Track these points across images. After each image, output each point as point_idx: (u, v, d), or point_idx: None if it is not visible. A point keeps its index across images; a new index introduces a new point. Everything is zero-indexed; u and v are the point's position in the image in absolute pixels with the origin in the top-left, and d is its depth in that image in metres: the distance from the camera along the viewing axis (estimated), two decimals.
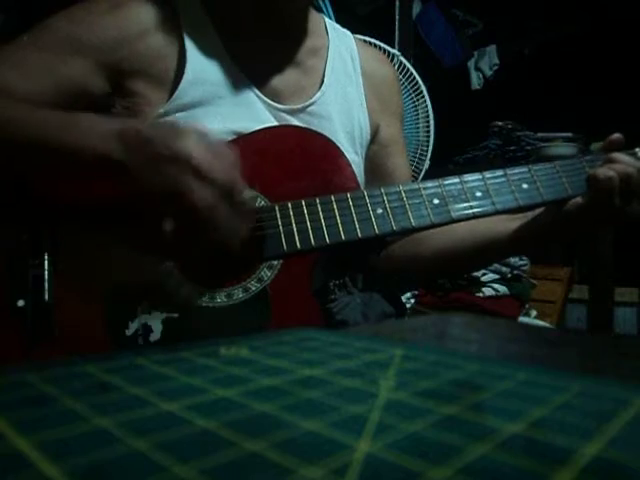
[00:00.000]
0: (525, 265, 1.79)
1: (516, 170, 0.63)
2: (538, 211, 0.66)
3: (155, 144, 0.47)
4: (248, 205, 0.49)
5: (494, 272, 1.74)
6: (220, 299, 0.56)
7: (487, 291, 1.73)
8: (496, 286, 1.74)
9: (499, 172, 0.63)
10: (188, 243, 0.48)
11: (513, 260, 1.74)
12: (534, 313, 1.89)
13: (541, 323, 1.82)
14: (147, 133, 0.48)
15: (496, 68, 3.09)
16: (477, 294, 1.74)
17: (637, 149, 0.65)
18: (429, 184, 0.61)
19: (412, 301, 1.81)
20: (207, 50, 0.67)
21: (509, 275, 1.75)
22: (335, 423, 0.17)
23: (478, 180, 0.62)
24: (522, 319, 1.78)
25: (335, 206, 0.59)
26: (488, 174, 0.62)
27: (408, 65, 1.73)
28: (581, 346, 0.35)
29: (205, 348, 0.28)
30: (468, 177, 0.62)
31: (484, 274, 1.74)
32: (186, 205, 0.46)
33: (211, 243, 0.48)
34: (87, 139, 0.51)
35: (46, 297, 0.56)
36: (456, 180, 0.62)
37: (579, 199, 0.62)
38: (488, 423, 0.17)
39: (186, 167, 0.46)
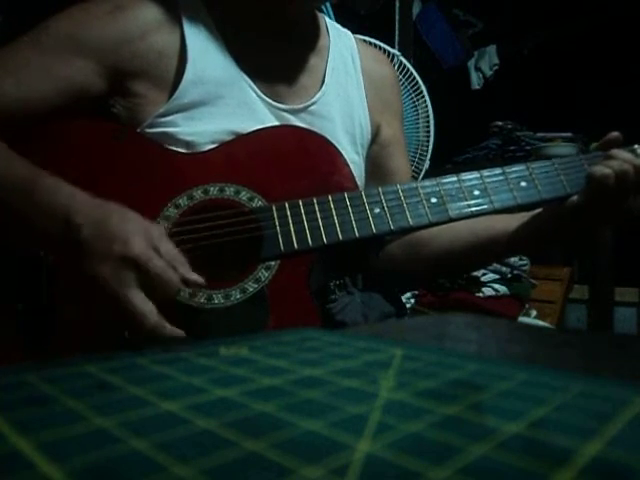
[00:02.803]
0: (525, 265, 1.79)
1: (514, 168, 0.63)
2: (537, 210, 0.66)
3: (116, 237, 0.49)
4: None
5: (494, 272, 1.74)
6: (217, 300, 0.56)
7: (487, 291, 1.73)
8: (496, 286, 1.74)
9: (497, 170, 0.62)
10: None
11: (513, 260, 1.74)
12: (534, 313, 1.89)
13: (541, 323, 1.82)
14: (114, 223, 0.50)
15: (496, 68, 3.10)
16: (477, 294, 1.74)
17: (636, 145, 0.65)
18: (427, 183, 0.61)
19: (412, 301, 1.81)
20: (208, 50, 0.67)
21: (509, 275, 1.75)
22: (335, 423, 0.17)
23: (476, 179, 0.62)
24: (522, 319, 1.78)
25: (332, 206, 0.59)
26: (486, 172, 0.62)
27: (408, 65, 1.73)
28: (581, 346, 0.35)
29: (205, 348, 0.28)
30: (466, 176, 0.62)
31: (484, 274, 1.74)
32: (122, 308, 0.49)
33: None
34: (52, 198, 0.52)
35: (44, 300, 0.56)
36: (454, 179, 0.61)
37: (576, 197, 0.61)
38: (488, 423, 0.17)
39: (135, 274, 0.48)
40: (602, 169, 0.59)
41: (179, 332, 0.50)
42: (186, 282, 0.50)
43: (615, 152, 0.62)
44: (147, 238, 0.50)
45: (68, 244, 0.51)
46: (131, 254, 0.48)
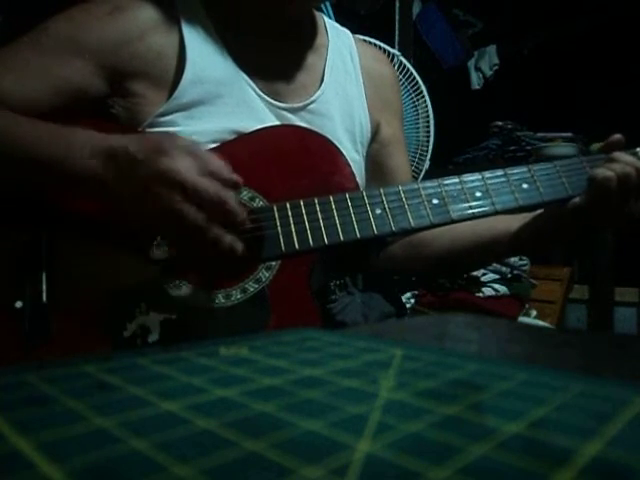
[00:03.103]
0: (525, 265, 1.79)
1: (516, 170, 0.63)
2: (539, 211, 0.66)
3: (141, 164, 0.49)
4: (240, 216, 0.50)
5: (494, 272, 1.74)
6: (218, 300, 0.56)
7: (487, 291, 1.73)
8: (496, 286, 1.74)
9: (499, 172, 0.62)
10: (184, 254, 0.50)
11: (513, 260, 1.74)
12: (534, 313, 1.89)
13: (541, 323, 1.82)
14: (133, 152, 0.50)
15: (496, 68, 3.10)
16: (477, 294, 1.73)
17: (638, 149, 0.65)
18: (428, 184, 0.61)
19: (412, 301, 1.81)
20: (207, 49, 0.67)
21: (509, 275, 1.75)
22: (335, 423, 0.17)
23: (478, 180, 0.62)
24: (522, 319, 1.78)
25: (334, 206, 0.59)
26: (488, 174, 0.62)
27: (408, 65, 1.73)
28: (581, 346, 0.35)
29: (205, 348, 0.28)
30: (468, 177, 0.62)
31: (484, 274, 1.74)
32: (177, 228, 0.49)
33: (205, 257, 0.51)
34: (73, 154, 0.53)
35: (44, 298, 0.56)
36: (456, 180, 0.61)
37: (578, 199, 0.61)
38: (488, 423, 0.17)
39: (174, 188, 0.48)
40: (604, 172, 0.59)
41: (238, 245, 0.50)
42: (228, 184, 0.51)
43: (618, 155, 0.62)
44: (187, 152, 0.51)
45: (117, 165, 0.51)
46: (192, 149, 0.50)
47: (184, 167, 0.48)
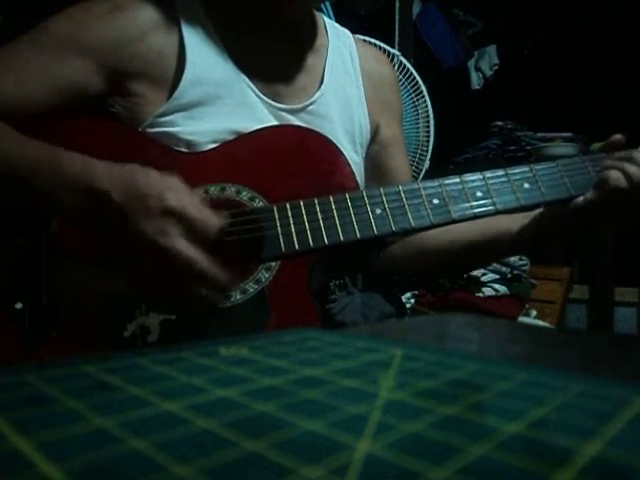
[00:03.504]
0: (525, 265, 1.79)
1: (517, 170, 0.63)
2: (540, 210, 0.66)
3: (125, 221, 0.49)
4: (222, 282, 0.50)
5: (494, 272, 1.74)
6: None
7: (487, 291, 1.73)
8: (496, 286, 1.74)
9: (500, 172, 0.62)
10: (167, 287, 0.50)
11: (513, 260, 1.74)
12: (534, 313, 1.89)
13: (541, 323, 1.82)
14: (117, 201, 0.49)
15: (496, 68, 3.09)
16: (477, 294, 1.73)
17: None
18: (429, 184, 0.61)
19: (412, 301, 1.81)
20: (207, 50, 0.67)
21: (509, 275, 1.75)
22: (335, 423, 0.17)
23: (479, 180, 0.61)
24: (522, 319, 1.78)
25: (334, 207, 0.58)
26: (489, 174, 0.62)
27: (408, 65, 1.73)
28: (581, 346, 0.35)
29: (205, 348, 0.28)
30: (468, 177, 0.62)
31: (484, 274, 1.74)
32: (156, 292, 0.50)
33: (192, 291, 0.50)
34: (56, 188, 0.52)
35: (43, 299, 0.56)
36: (456, 180, 0.61)
37: (582, 199, 0.61)
38: (488, 423, 0.17)
39: (158, 258, 0.48)
40: (617, 176, 0.59)
41: (230, 281, 0.50)
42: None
43: (631, 153, 0.60)
44: (176, 189, 0.50)
45: (99, 212, 0.50)
46: (170, 206, 0.48)
47: (168, 236, 0.48)
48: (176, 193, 0.49)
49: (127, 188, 0.49)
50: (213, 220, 0.50)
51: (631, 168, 0.59)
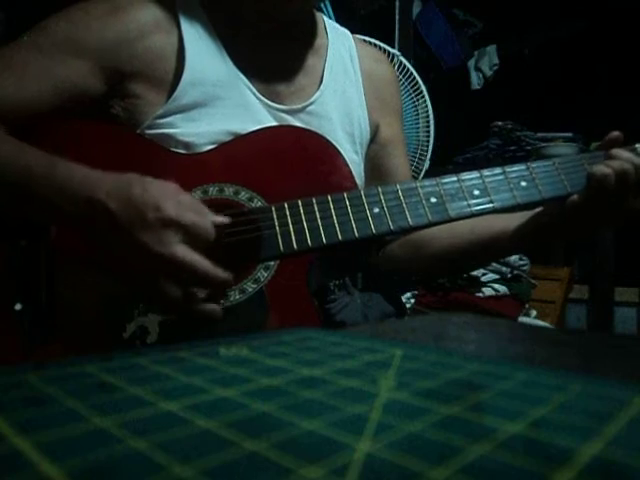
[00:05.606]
0: (525, 265, 1.79)
1: (514, 168, 0.63)
2: (538, 209, 0.66)
3: (121, 235, 0.49)
4: (218, 279, 0.51)
5: (494, 272, 1.74)
6: None
7: (487, 291, 1.73)
8: (496, 286, 1.74)
9: (497, 170, 0.62)
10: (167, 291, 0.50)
11: (513, 260, 1.74)
12: (534, 313, 1.89)
13: (541, 323, 1.82)
14: (114, 212, 0.49)
15: (496, 68, 3.09)
16: (477, 294, 1.74)
17: (637, 145, 0.65)
18: (426, 183, 0.61)
19: (412, 301, 1.81)
20: (206, 51, 0.67)
21: (509, 275, 1.75)
22: (335, 423, 0.17)
23: (476, 178, 0.62)
24: (522, 319, 1.78)
25: (332, 206, 0.59)
26: (486, 172, 0.62)
27: (408, 65, 1.73)
28: (581, 346, 0.35)
29: (205, 348, 0.28)
30: (466, 175, 0.62)
31: (484, 274, 1.74)
32: (155, 300, 0.51)
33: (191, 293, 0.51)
34: (53, 196, 0.52)
35: (43, 301, 0.56)
36: (454, 178, 0.61)
37: (576, 196, 0.61)
38: (488, 423, 0.17)
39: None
40: (603, 168, 0.59)
41: (230, 280, 0.51)
42: (215, 223, 0.51)
43: (616, 151, 0.62)
44: (172, 197, 0.50)
45: (97, 222, 0.51)
46: (167, 216, 0.49)
47: (168, 244, 0.48)
48: (173, 201, 0.50)
49: (124, 199, 0.50)
50: (209, 223, 0.50)
51: (614, 162, 0.60)
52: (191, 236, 0.49)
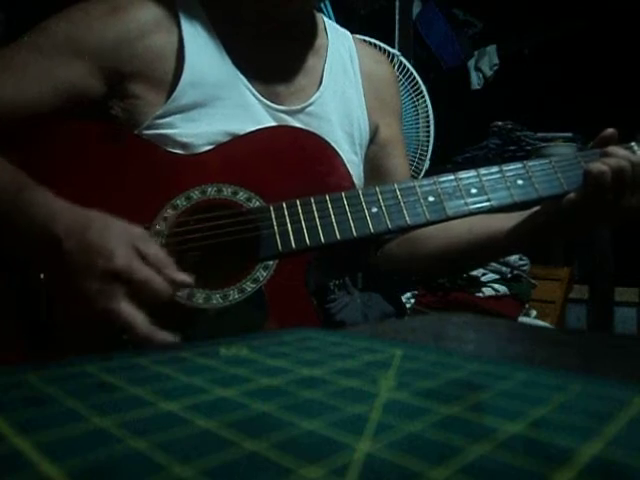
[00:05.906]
0: (525, 265, 1.79)
1: (511, 166, 0.63)
2: (535, 208, 0.66)
3: (99, 253, 0.48)
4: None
5: (494, 272, 1.74)
6: (216, 300, 0.56)
7: (487, 291, 1.73)
8: (496, 286, 1.74)
9: (494, 169, 0.63)
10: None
11: (513, 260, 1.74)
12: (534, 313, 1.89)
13: (541, 323, 1.82)
14: (95, 237, 0.49)
15: (496, 68, 3.09)
16: (477, 294, 1.74)
17: (633, 143, 0.65)
18: (424, 182, 0.61)
19: (412, 301, 1.81)
20: (206, 51, 0.67)
21: (509, 275, 1.75)
22: (335, 423, 0.17)
23: (473, 177, 0.62)
24: (522, 319, 1.78)
25: (330, 205, 0.59)
26: (483, 170, 0.62)
27: (408, 65, 1.73)
28: (581, 346, 0.35)
29: (205, 348, 0.28)
30: (463, 174, 0.62)
31: (484, 274, 1.74)
32: (109, 321, 0.48)
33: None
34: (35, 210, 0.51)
35: (43, 300, 0.56)
36: (451, 177, 0.62)
37: (573, 194, 0.61)
38: (488, 423, 0.17)
39: (121, 285, 0.47)
40: (599, 166, 0.59)
41: (170, 338, 0.48)
42: (174, 283, 0.49)
43: (612, 149, 0.62)
44: (130, 246, 0.49)
45: (51, 256, 0.50)
46: (116, 268, 0.47)
47: (110, 298, 0.47)
48: (129, 250, 0.48)
49: (79, 240, 0.49)
50: (165, 283, 0.48)
51: (610, 160, 0.60)
52: (140, 292, 0.47)
